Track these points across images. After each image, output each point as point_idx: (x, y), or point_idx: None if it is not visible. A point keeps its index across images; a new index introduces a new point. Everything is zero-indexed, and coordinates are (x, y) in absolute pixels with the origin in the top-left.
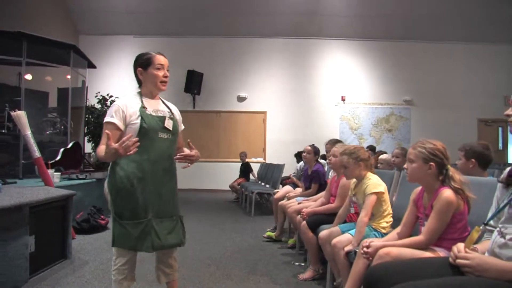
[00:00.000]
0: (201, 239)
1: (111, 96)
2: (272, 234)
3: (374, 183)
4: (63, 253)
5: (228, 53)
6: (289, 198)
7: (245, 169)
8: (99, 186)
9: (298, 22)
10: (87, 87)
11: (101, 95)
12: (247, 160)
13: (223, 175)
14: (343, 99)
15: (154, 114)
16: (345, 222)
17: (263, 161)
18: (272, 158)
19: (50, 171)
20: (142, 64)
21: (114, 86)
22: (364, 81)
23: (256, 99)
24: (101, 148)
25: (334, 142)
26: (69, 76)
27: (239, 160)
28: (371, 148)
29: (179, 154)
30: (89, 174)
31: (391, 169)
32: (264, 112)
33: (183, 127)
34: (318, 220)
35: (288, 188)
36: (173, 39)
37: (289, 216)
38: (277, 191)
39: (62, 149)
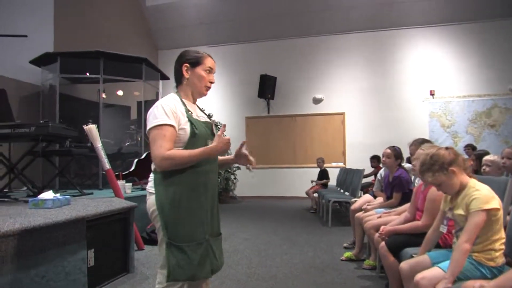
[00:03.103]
0: (269, 254)
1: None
2: (351, 255)
3: (485, 195)
4: (125, 266)
5: (301, 53)
6: (365, 211)
7: (322, 176)
8: None
9: (375, 13)
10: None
11: None
12: (325, 166)
13: (300, 181)
14: (432, 94)
15: (199, 119)
16: (438, 246)
17: (343, 165)
18: (352, 162)
19: (121, 182)
20: (191, 60)
21: None
22: (456, 71)
23: (333, 100)
24: (185, 153)
25: (420, 142)
26: (134, 92)
27: (316, 165)
28: (472, 148)
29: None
30: None
31: (499, 174)
32: (343, 114)
33: None
34: (401, 241)
35: (367, 197)
36: (244, 45)
37: (366, 233)
38: (355, 201)
39: (136, 160)
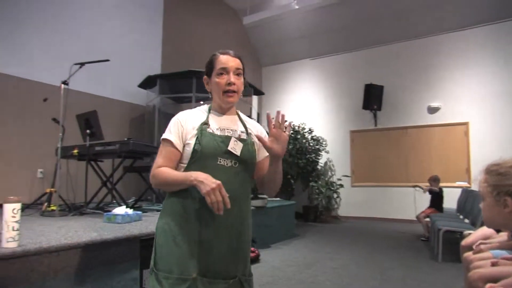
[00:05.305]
0: None
1: (286, 121)
2: None
3: None
4: None
5: (410, 58)
6: (475, 252)
7: (436, 197)
8: (258, 215)
9: None
10: (257, 114)
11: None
12: (445, 185)
13: (413, 202)
14: None
15: (217, 132)
16: None
17: (468, 185)
18: None
19: None
20: (207, 70)
21: (293, 110)
22: None
23: (454, 108)
24: (170, 174)
25: None
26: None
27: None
28: None
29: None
30: None
31: None
32: (466, 124)
33: (266, 153)
34: None
35: (485, 231)
36: (346, 54)
37: (471, 285)
38: (469, 234)
39: None
